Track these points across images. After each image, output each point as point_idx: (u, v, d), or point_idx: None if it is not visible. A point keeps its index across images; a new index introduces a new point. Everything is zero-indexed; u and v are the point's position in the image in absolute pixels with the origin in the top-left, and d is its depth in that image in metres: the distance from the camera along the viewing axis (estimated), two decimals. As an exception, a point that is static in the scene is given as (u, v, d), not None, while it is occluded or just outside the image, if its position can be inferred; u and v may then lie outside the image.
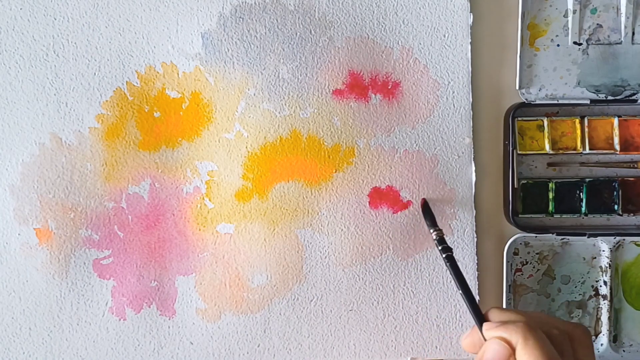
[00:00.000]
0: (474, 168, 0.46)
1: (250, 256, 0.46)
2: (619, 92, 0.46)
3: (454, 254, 0.42)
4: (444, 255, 0.42)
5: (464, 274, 0.41)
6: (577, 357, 0.36)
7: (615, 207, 0.46)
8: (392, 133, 0.46)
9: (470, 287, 0.40)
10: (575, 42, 0.46)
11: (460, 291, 0.40)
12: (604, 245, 0.46)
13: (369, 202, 0.46)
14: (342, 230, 0.46)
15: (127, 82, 0.46)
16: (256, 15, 0.46)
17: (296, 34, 0.46)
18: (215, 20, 0.46)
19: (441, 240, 0.42)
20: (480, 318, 0.39)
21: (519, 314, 0.37)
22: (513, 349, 0.35)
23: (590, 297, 0.47)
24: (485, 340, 0.37)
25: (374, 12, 0.46)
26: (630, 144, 0.46)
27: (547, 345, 0.34)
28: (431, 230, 0.43)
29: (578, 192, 0.46)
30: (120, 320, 0.46)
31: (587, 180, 0.46)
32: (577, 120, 0.46)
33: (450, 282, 0.46)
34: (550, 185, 0.46)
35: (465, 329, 0.46)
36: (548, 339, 0.35)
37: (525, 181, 0.46)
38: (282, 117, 0.46)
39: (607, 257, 0.46)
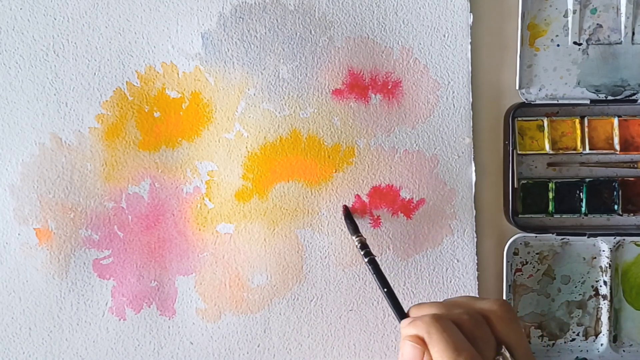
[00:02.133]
0: (474, 168, 0.46)
1: (250, 256, 0.46)
2: (619, 92, 0.46)
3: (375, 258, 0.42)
4: (366, 260, 0.42)
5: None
6: (497, 334, 0.34)
7: (615, 207, 0.46)
8: (392, 133, 0.46)
9: (392, 288, 0.40)
10: (575, 42, 0.46)
11: (385, 294, 0.40)
12: (604, 245, 0.46)
13: (369, 202, 0.46)
14: (342, 230, 0.46)
15: (127, 82, 0.46)
16: (256, 15, 0.46)
17: (296, 34, 0.46)
18: (215, 20, 0.46)
19: (363, 246, 0.42)
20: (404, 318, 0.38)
21: (432, 306, 0.36)
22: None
23: (590, 297, 0.47)
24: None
25: (374, 12, 0.46)
26: (630, 144, 0.46)
27: (452, 335, 0.33)
28: (353, 237, 0.44)
29: (578, 192, 0.46)
30: (120, 320, 0.46)
31: (587, 180, 0.46)
32: (577, 120, 0.46)
33: (451, 281, 0.46)
34: (550, 185, 0.46)
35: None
36: (457, 326, 0.33)
37: (525, 181, 0.46)
38: (282, 117, 0.46)
39: (607, 257, 0.46)
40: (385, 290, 0.40)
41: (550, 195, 0.46)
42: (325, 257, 0.46)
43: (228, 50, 0.46)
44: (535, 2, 0.45)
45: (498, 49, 0.47)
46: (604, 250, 0.46)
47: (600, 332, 0.47)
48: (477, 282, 0.46)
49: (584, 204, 0.46)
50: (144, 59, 0.46)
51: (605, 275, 0.46)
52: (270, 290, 0.46)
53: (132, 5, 0.46)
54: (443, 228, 0.46)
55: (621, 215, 0.46)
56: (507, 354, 0.34)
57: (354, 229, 0.44)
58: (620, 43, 0.46)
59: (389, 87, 0.46)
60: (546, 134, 0.46)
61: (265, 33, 0.46)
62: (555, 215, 0.46)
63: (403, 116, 0.46)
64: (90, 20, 0.46)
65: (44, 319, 0.46)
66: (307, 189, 0.46)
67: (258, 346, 0.47)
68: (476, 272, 0.46)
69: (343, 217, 0.46)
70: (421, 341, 0.34)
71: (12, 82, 0.46)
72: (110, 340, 0.46)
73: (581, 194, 0.46)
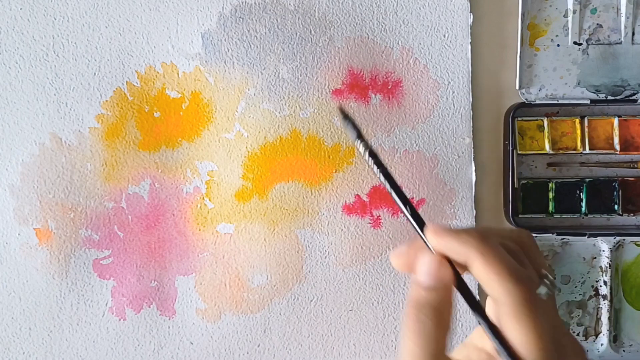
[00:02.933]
0: (474, 168, 0.46)
1: (250, 256, 0.46)
2: (619, 92, 0.46)
3: None
4: (369, 158, 0.32)
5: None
6: (533, 261, 0.30)
7: (615, 207, 0.46)
8: (392, 133, 0.46)
9: (421, 218, 0.31)
10: (575, 42, 0.46)
11: (397, 197, 0.31)
12: (604, 245, 0.46)
13: (369, 202, 0.46)
14: (342, 230, 0.46)
15: (127, 82, 0.46)
16: (256, 15, 0.46)
17: (296, 34, 0.46)
18: (215, 20, 0.46)
19: (366, 145, 0.32)
20: (422, 226, 0.30)
21: (464, 230, 0.30)
22: (461, 265, 0.29)
23: (590, 297, 0.47)
24: (432, 252, 0.30)
25: (374, 12, 0.46)
26: (630, 144, 0.46)
27: (507, 259, 0.28)
28: (357, 142, 0.33)
29: (578, 192, 0.46)
30: (120, 320, 0.46)
31: (587, 180, 0.46)
32: (577, 120, 0.46)
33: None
34: (550, 185, 0.46)
35: (466, 329, 0.46)
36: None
37: (525, 181, 0.46)
38: (282, 117, 0.46)
39: (607, 257, 0.46)
40: (394, 188, 0.31)
41: (550, 195, 0.46)
42: (325, 257, 0.46)
43: (228, 50, 0.46)
44: (535, 2, 0.45)
45: (498, 49, 0.47)
46: (604, 250, 0.46)
47: (601, 332, 0.47)
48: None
49: (584, 204, 0.46)
50: (144, 59, 0.46)
51: (605, 275, 0.46)
52: (270, 290, 0.46)
53: (132, 5, 0.46)
54: (443, 228, 0.46)
55: (621, 215, 0.46)
56: (551, 279, 0.30)
57: (358, 134, 0.33)
58: (620, 43, 0.46)
59: (389, 87, 0.46)
60: (546, 134, 0.46)
61: (265, 33, 0.46)
62: (555, 215, 0.46)
63: (403, 116, 0.46)
64: (90, 20, 0.46)
65: (44, 319, 0.46)
66: (307, 189, 0.46)
67: (258, 346, 0.47)
68: (476, 272, 0.46)
69: (342, 120, 0.34)
70: (458, 262, 0.28)
71: (12, 82, 0.46)
72: (110, 340, 0.46)
73: (581, 194, 0.46)
